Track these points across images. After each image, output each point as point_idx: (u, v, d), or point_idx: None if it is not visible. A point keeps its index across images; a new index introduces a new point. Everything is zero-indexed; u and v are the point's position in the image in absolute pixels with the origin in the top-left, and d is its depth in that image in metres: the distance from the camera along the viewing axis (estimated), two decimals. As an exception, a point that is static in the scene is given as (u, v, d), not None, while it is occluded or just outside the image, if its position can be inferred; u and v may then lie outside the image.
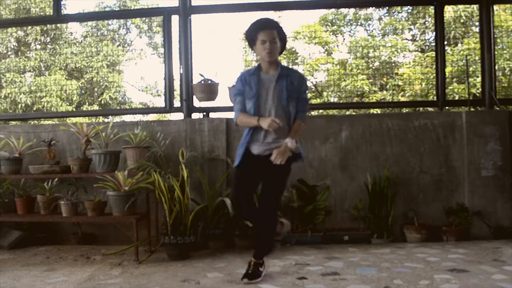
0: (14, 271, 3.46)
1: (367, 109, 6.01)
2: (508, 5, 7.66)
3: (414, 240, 4.21)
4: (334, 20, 10.86)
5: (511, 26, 7.51)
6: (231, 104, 4.60)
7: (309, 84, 10.10)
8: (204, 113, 4.73)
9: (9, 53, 11.76)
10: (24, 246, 4.32)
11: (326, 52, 10.35)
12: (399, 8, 10.28)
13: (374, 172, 4.41)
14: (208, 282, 3.07)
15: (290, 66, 9.05)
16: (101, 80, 10.93)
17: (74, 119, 8.05)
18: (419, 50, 9.96)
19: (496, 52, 4.90)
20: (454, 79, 8.05)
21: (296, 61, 9.77)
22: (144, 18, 12.51)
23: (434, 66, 5.02)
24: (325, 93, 9.24)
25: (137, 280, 3.16)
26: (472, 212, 4.26)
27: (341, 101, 8.52)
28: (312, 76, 9.85)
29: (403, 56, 9.58)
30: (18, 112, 9.75)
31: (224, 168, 4.39)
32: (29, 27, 11.35)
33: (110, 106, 11.00)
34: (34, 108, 9.91)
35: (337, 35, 10.85)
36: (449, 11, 9.00)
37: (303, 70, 9.22)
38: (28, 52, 11.70)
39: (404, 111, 6.17)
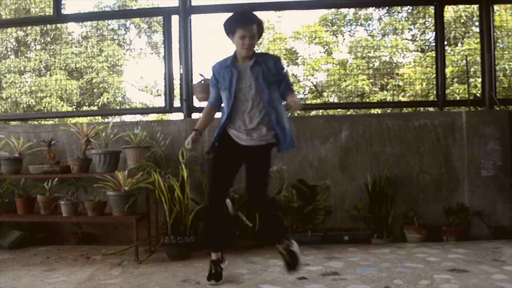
0: (14, 271, 3.46)
1: (367, 109, 6.01)
2: (509, 5, 7.66)
3: (414, 240, 4.21)
4: (334, 20, 10.86)
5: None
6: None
7: (309, 84, 10.11)
8: (204, 113, 4.73)
9: (9, 53, 11.76)
10: (24, 246, 4.32)
11: (326, 52, 10.34)
12: (399, 8, 10.27)
13: (374, 172, 4.41)
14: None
15: (287, 67, 9.09)
16: (101, 82, 10.92)
17: (74, 119, 8.05)
18: (419, 50, 9.96)
19: (496, 53, 4.90)
20: (455, 79, 8.04)
21: (296, 61, 9.77)
22: (143, 18, 12.51)
23: (434, 66, 5.02)
24: (325, 93, 9.25)
25: (137, 280, 3.16)
26: (472, 212, 4.26)
27: (341, 101, 8.52)
28: (312, 76, 9.85)
29: (403, 56, 9.58)
30: (19, 112, 9.75)
31: (224, 168, 4.39)
32: (29, 27, 11.35)
33: (110, 106, 11.00)
34: (35, 109, 9.92)
35: (337, 35, 10.85)
36: (449, 11, 8.99)
37: (304, 70, 9.22)
38: (28, 53, 11.70)
39: (404, 111, 6.17)
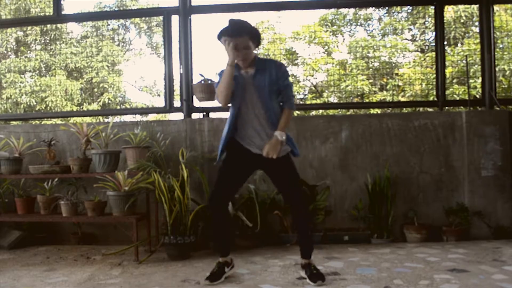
0: (14, 271, 3.46)
1: (367, 109, 6.01)
2: (509, 5, 7.66)
3: (414, 240, 4.21)
4: (334, 20, 10.86)
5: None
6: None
7: (309, 84, 10.11)
8: (204, 113, 4.74)
9: (9, 53, 11.76)
10: (24, 246, 4.32)
11: (326, 53, 10.35)
12: (399, 8, 10.28)
13: (374, 172, 4.41)
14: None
15: (287, 67, 9.08)
16: (101, 82, 10.92)
17: (74, 119, 8.05)
18: (419, 50, 9.96)
19: (496, 54, 4.90)
20: (454, 80, 8.05)
21: (296, 61, 9.77)
22: (143, 18, 12.51)
23: (434, 67, 5.02)
24: (325, 94, 9.25)
25: (137, 280, 3.16)
26: (472, 212, 4.26)
27: (341, 102, 8.52)
28: (312, 76, 9.86)
29: (403, 56, 9.58)
30: (20, 112, 9.76)
31: (224, 168, 4.39)
32: (29, 27, 11.35)
33: (110, 106, 11.00)
34: (36, 108, 9.92)
35: (337, 35, 10.86)
36: (449, 11, 9.00)
37: (303, 70, 9.23)
38: (28, 53, 11.70)
39: (404, 111, 6.17)
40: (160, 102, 13.15)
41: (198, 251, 3.94)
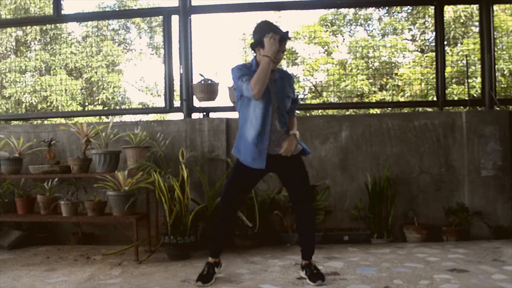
0: (14, 271, 3.46)
1: (367, 109, 6.02)
2: (508, 5, 7.66)
3: (414, 240, 4.22)
4: (334, 20, 10.87)
5: (510, 27, 7.52)
6: (231, 104, 4.62)
7: (309, 84, 10.12)
8: (204, 113, 4.74)
9: (9, 53, 11.76)
10: (24, 246, 4.32)
11: (326, 52, 10.35)
12: (399, 8, 10.29)
13: (374, 172, 4.41)
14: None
15: (287, 67, 9.09)
16: (99, 80, 10.91)
17: (73, 119, 8.05)
18: (419, 50, 9.97)
19: (495, 53, 4.90)
20: (454, 80, 8.06)
21: (296, 61, 9.77)
22: (144, 18, 12.52)
23: (433, 66, 5.02)
24: (325, 93, 9.25)
25: (137, 280, 3.16)
26: (472, 212, 4.26)
27: (341, 101, 8.53)
28: (312, 76, 9.86)
29: (403, 56, 9.59)
30: (22, 111, 9.76)
31: (224, 168, 4.39)
32: (28, 27, 11.35)
33: (109, 106, 11.00)
34: (39, 108, 9.91)
35: (337, 35, 10.86)
36: (448, 11, 9.01)
37: (303, 70, 9.24)
38: (28, 52, 11.70)
39: (404, 111, 6.18)
40: (160, 102, 13.16)
41: (198, 251, 3.94)
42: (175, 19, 4.90)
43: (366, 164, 4.48)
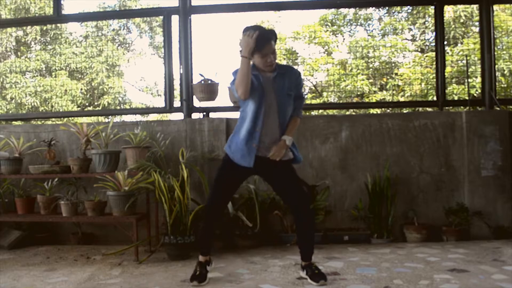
0: (14, 271, 3.46)
1: (367, 109, 6.01)
2: (508, 5, 7.66)
3: (414, 240, 4.22)
4: (334, 20, 10.86)
5: (510, 27, 7.51)
6: (231, 104, 4.62)
7: (309, 84, 10.11)
8: (204, 113, 4.74)
9: (9, 53, 11.76)
10: (24, 246, 4.32)
11: (326, 52, 10.35)
12: (399, 8, 10.28)
13: (374, 172, 4.41)
14: (208, 282, 3.07)
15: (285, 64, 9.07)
16: (101, 84, 10.91)
17: (74, 119, 8.05)
18: (419, 50, 9.96)
19: (495, 53, 4.90)
20: (454, 80, 8.05)
21: (296, 61, 9.77)
22: (144, 18, 12.51)
23: (433, 66, 5.02)
24: (325, 93, 9.25)
25: (137, 280, 3.16)
26: (472, 212, 4.26)
27: (341, 101, 8.52)
28: (312, 76, 9.86)
29: (403, 56, 9.58)
30: (20, 113, 9.76)
31: (224, 168, 4.39)
32: (29, 27, 11.34)
33: (110, 107, 11.00)
34: (40, 109, 9.91)
35: (337, 35, 10.86)
36: (448, 11, 9.00)
37: (303, 70, 9.23)
38: (28, 53, 11.70)
39: (404, 111, 6.18)
40: (160, 102, 13.16)
41: (198, 251, 3.93)
42: (175, 19, 4.90)
43: (366, 164, 4.48)
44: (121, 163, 4.21)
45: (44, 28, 11.50)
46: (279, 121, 2.95)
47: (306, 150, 4.48)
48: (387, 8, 10.26)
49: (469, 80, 5.39)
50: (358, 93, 8.76)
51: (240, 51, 2.82)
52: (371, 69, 9.36)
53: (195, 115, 4.78)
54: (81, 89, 10.86)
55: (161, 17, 5.04)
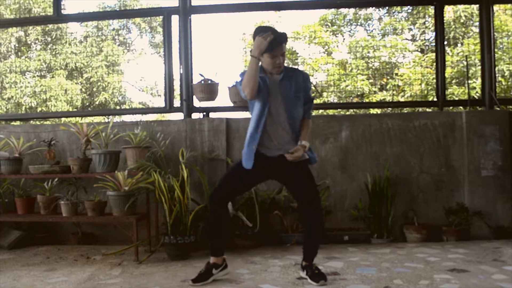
0: (14, 271, 3.46)
1: (367, 109, 6.01)
2: (508, 6, 7.65)
3: (414, 240, 4.22)
4: (334, 20, 10.86)
5: (511, 29, 7.51)
6: (231, 104, 4.63)
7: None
8: (204, 113, 4.74)
9: (9, 53, 11.76)
10: (24, 246, 4.32)
11: (326, 52, 10.35)
12: (399, 8, 10.28)
13: (374, 172, 4.41)
14: (208, 282, 3.07)
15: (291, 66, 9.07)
16: (100, 81, 10.90)
17: (74, 119, 8.05)
18: (419, 50, 9.96)
19: (495, 54, 4.90)
20: (454, 81, 8.05)
21: (296, 61, 9.77)
22: (145, 18, 12.51)
23: (434, 67, 5.02)
24: (325, 93, 9.24)
25: (137, 280, 3.16)
26: (472, 212, 4.26)
27: (341, 101, 8.52)
28: (312, 76, 9.85)
29: (403, 56, 9.58)
30: (20, 113, 9.77)
31: (224, 168, 4.39)
32: (30, 27, 11.35)
33: (108, 105, 11.00)
34: (38, 110, 9.91)
35: (337, 35, 10.86)
36: (448, 11, 9.00)
37: (303, 70, 9.23)
38: (28, 53, 11.70)
39: (404, 111, 6.18)
40: (160, 102, 13.16)
41: (198, 251, 3.94)
42: (175, 19, 4.90)
43: (366, 164, 4.48)
44: (121, 163, 4.21)
45: (46, 29, 11.50)
46: (288, 122, 2.93)
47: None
48: (387, 8, 10.26)
49: (469, 81, 5.39)
50: (358, 93, 8.76)
51: (251, 50, 2.82)
52: (371, 69, 9.36)
53: (195, 115, 4.78)
54: (81, 89, 10.86)
55: (161, 17, 5.05)
